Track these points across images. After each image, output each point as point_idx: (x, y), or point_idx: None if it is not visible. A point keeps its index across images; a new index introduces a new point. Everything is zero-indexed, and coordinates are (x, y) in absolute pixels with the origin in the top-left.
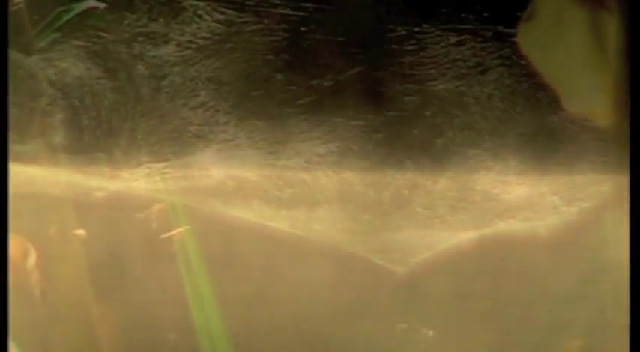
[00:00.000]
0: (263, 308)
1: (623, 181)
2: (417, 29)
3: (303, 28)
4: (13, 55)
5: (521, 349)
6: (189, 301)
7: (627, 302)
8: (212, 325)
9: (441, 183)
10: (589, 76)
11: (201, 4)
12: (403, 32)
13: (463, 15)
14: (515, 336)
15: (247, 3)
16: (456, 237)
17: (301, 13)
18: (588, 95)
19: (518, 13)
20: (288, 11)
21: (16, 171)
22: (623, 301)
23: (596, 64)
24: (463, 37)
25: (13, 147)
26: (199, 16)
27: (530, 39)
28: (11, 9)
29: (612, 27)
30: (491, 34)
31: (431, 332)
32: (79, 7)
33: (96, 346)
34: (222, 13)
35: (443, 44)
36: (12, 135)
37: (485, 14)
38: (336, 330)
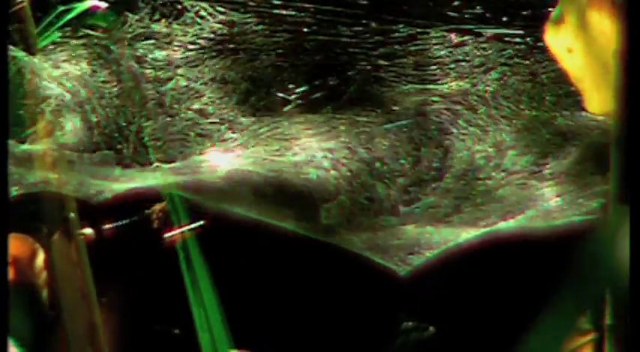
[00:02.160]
0: (265, 305)
1: (625, 181)
2: (420, 30)
3: (305, 29)
4: (17, 54)
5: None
6: (190, 300)
7: (628, 303)
8: (213, 323)
9: (445, 182)
10: (609, 79)
11: (204, 4)
12: (406, 33)
13: (467, 16)
14: (515, 336)
15: (249, 4)
16: (459, 235)
17: (303, 14)
18: (609, 98)
19: (523, 13)
20: (290, 12)
21: (22, 171)
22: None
23: (615, 68)
24: (466, 38)
25: (20, 147)
26: (202, 17)
27: (556, 40)
28: (14, 8)
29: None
30: (493, 34)
31: (431, 330)
32: (81, 7)
33: (97, 344)
34: (224, 13)
35: (446, 44)
36: (18, 135)
37: (488, 15)
38: (337, 328)
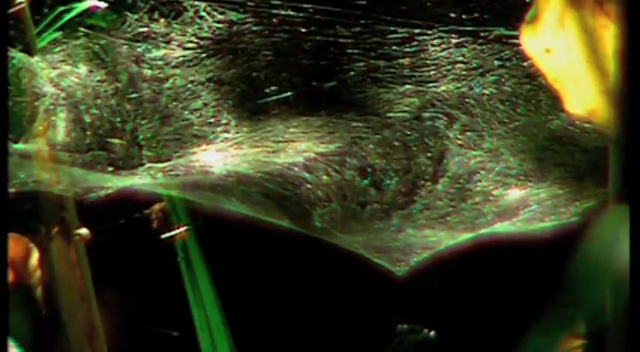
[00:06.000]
0: (263, 304)
1: (622, 183)
2: (417, 31)
3: (303, 29)
4: (16, 55)
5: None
6: (190, 300)
7: (628, 303)
8: (213, 323)
9: (442, 184)
10: (590, 78)
11: (203, 4)
12: (404, 34)
13: (464, 17)
14: (514, 338)
15: (248, 4)
16: (455, 237)
17: (302, 14)
18: (590, 97)
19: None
20: (289, 12)
21: (19, 171)
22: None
23: (597, 67)
24: (464, 39)
25: (16, 147)
26: (200, 17)
27: (533, 40)
28: (14, 9)
29: (611, 31)
30: (492, 36)
31: (430, 332)
32: (80, 7)
33: (97, 344)
34: (222, 13)
35: (444, 46)
36: (14, 135)
37: (487, 16)
38: (334, 329)
